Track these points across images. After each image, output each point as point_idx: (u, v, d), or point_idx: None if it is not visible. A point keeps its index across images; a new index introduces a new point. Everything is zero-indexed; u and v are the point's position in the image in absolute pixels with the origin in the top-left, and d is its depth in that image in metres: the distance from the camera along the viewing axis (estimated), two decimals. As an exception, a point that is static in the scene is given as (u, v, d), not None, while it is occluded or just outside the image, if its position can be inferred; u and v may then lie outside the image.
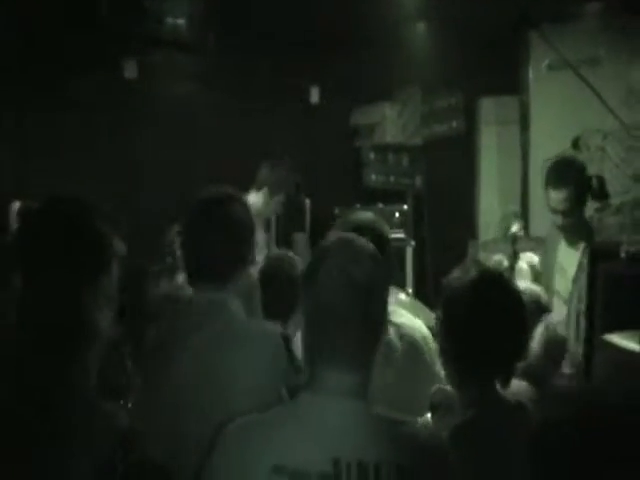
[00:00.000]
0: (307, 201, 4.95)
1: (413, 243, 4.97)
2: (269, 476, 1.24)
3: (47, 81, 4.31)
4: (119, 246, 1.54)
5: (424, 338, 2.21)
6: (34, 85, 4.27)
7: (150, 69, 4.78)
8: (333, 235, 1.46)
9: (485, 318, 1.64)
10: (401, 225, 5.02)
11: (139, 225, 4.21)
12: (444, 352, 1.75)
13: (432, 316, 2.61)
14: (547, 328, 2.31)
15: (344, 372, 1.31)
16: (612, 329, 2.84)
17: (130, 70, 4.73)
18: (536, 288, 2.53)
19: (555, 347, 2.38)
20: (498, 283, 1.71)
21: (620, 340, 2.72)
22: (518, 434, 1.43)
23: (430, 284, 4.80)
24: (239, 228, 1.87)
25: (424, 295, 4.04)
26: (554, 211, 3.17)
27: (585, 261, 2.91)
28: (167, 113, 4.75)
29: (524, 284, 2.49)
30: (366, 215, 2.26)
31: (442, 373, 1.99)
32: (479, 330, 1.63)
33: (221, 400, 1.65)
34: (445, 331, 1.72)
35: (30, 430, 1.28)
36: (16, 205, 2.96)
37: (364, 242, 1.38)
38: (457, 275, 1.72)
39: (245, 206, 1.91)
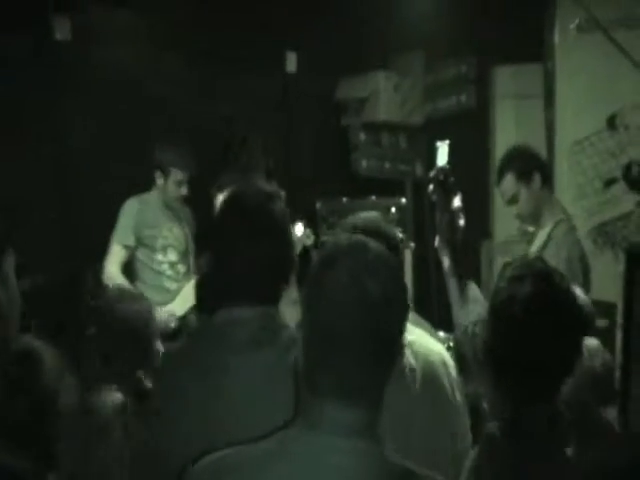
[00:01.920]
0: (282, 193, 4.66)
1: (413, 245, 4.86)
2: None
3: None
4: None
5: (442, 359, 2.21)
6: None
7: (86, 29, 4.57)
8: (341, 238, 1.39)
9: (541, 331, 1.70)
10: (398, 222, 4.85)
11: (76, 212, 4.38)
12: (488, 365, 1.81)
13: (435, 333, 2.80)
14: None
15: (350, 407, 1.24)
16: None
17: (62, 31, 4.51)
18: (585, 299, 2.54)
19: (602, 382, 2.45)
20: (555, 288, 1.76)
21: None
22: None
23: (434, 295, 4.68)
24: (286, 232, 1.85)
25: (426, 309, 3.86)
26: (507, 205, 3.40)
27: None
28: (108, 81, 4.54)
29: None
30: (370, 216, 2.33)
31: (462, 402, 2.18)
32: (533, 343, 1.70)
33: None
34: (491, 344, 1.79)
35: None
36: None
37: (380, 247, 1.32)
38: (504, 278, 1.80)
39: (283, 205, 1.86)
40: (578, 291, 2.36)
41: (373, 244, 1.33)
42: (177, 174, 4.03)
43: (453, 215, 2.73)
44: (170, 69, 4.69)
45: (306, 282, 1.31)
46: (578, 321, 1.78)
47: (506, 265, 1.91)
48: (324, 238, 4.77)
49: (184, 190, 4.05)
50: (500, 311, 1.78)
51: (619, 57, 4.54)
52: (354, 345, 1.24)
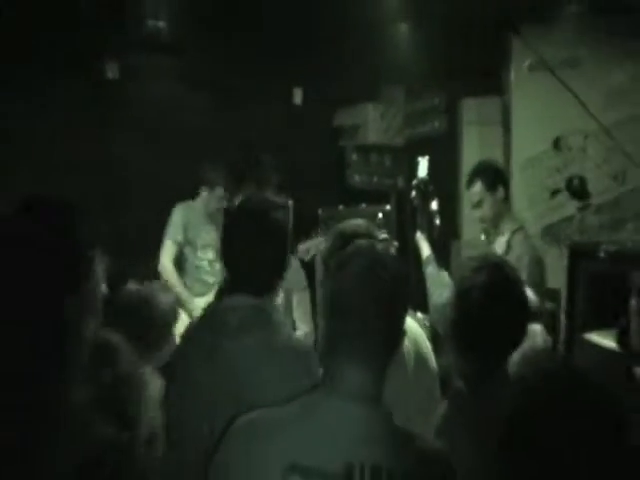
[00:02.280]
0: (290, 202, 4.89)
1: (396, 243, 4.76)
2: (282, 474, 1.23)
3: (27, 83, 4.28)
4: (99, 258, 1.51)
5: (422, 336, 2.29)
6: (14, 86, 4.23)
7: (132, 70, 4.77)
8: (354, 244, 1.45)
9: (495, 312, 1.79)
10: (384, 225, 4.84)
11: (121, 232, 4.41)
12: (454, 339, 1.87)
13: (414, 315, 2.87)
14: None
15: (362, 372, 1.30)
16: (592, 328, 2.97)
17: (112, 71, 4.72)
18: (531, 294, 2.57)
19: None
20: (506, 278, 1.84)
21: (600, 338, 2.87)
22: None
23: (413, 284, 4.65)
24: (281, 236, 1.86)
25: None
26: (473, 208, 3.32)
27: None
28: (149, 115, 4.73)
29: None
30: (358, 222, 2.34)
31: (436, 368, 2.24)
32: (489, 321, 1.78)
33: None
34: (457, 322, 1.85)
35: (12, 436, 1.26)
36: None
37: (384, 248, 1.42)
38: (467, 269, 1.88)
39: (286, 214, 1.91)
40: (528, 289, 2.39)
41: (378, 245, 1.44)
42: (220, 190, 4.22)
43: (431, 216, 2.91)
44: (199, 104, 4.85)
45: (326, 277, 1.48)
46: (524, 304, 1.84)
47: (469, 259, 2.00)
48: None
49: (224, 203, 4.19)
50: (463, 295, 1.84)
51: (563, 91, 4.67)
52: (369, 320, 1.30)
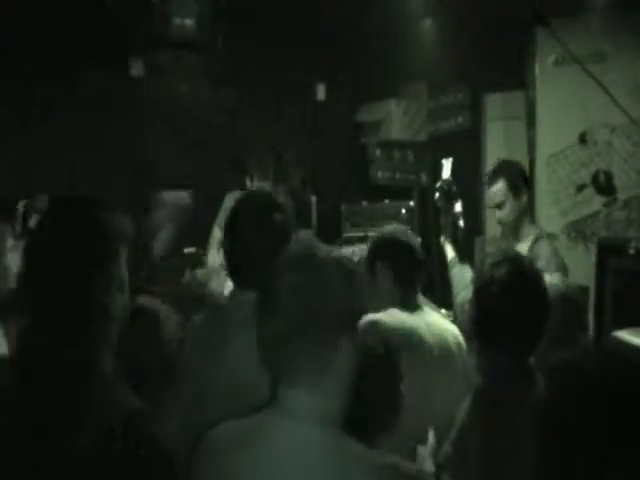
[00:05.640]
0: (313, 198, 4.90)
1: (419, 239, 4.82)
2: None
3: (52, 79, 4.32)
4: (128, 230, 1.56)
5: (448, 331, 2.30)
6: (38, 82, 4.27)
7: (157, 68, 4.80)
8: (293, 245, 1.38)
9: (515, 307, 1.78)
10: (407, 221, 4.99)
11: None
12: (475, 336, 1.88)
13: (439, 311, 2.81)
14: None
15: (304, 391, 1.21)
16: (621, 325, 2.86)
17: (137, 68, 4.75)
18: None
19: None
20: (525, 273, 1.83)
21: (629, 336, 2.74)
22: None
23: (437, 281, 4.61)
24: (283, 232, 1.83)
25: (431, 291, 3.85)
26: (491, 207, 3.22)
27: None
28: (173, 112, 4.75)
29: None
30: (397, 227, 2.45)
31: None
32: (508, 317, 1.77)
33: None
34: (477, 318, 1.85)
35: (39, 412, 1.34)
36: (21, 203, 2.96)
37: (311, 244, 1.32)
38: (486, 264, 1.86)
39: (287, 210, 1.89)
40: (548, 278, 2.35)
41: (312, 247, 1.30)
42: (266, 182, 4.24)
43: (455, 218, 2.84)
44: (224, 101, 4.88)
45: (260, 290, 1.29)
46: (544, 298, 1.82)
47: (487, 254, 1.99)
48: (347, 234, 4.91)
49: None
50: (482, 291, 1.83)
51: (590, 85, 4.50)
52: (297, 334, 1.20)
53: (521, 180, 3.15)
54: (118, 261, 1.49)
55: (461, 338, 2.31)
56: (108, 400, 1.35)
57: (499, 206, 3.13)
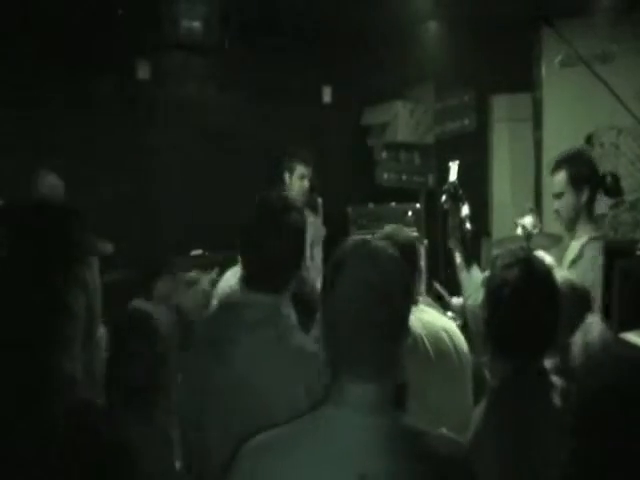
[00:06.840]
0: (320, 200, 4.90)
1: (426, 242, 4.90)
2: None
3: (60, 81, 4.30)
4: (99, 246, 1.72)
5: (447, 332, 2.28)
6: (46, 85, 4.25)
7: (163, 70, 4.78)
8: (347, 242, 1.36)
9: (526, 309, 1.76)
10: (414, 223, 4.99)
11: (150, 227, 4.45)
12: (488, 338, 1.85)
13: (445, 313, 2.85)
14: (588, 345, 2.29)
15: (366, 383, 1.25)
16: (629, 327, 2.71)
17: (143, 71, 4.74)
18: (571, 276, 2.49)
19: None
20: (538, 277, 1.80)
21: (637, 338, 2.58)
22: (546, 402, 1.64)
23: (443, 282, 4.48)
24: (298, 236, 1.86)
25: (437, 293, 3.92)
26: (553, 196, 3.11)
27: (591, 255, 2.87)
28: (179, 114, 4.75)
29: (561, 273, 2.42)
30: (397, 228, 2.39)
31: (468, 366, 2.25)
32: (520, 318, 1.75)
33: (263, 407, 1.64)
34: (489, 320, 1.82)
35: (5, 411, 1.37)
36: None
37: (381, 244, 1.33)
38: (497, 266, 1.83)
39: (302, 214, 1.91)
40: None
41: (374, 242, 1.33)
42: (301, 169, 4.15)
43: (462, 221, 2.79)
44: (231, 104, 4.87)
45: (322, 284, 1.31)
46: (556, 300, 1.79)
47: (497, 256, 1.88)
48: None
49: (306, 183, 4.14)
50: (493, 293, 1.81)
51: (596, 86, 4.37)
52: (363, 329, 1.24)
53: (583, 172, 3.04)
54: (82, 263, 1.54)
55: (458, 335, 2.32)
56: (65, 396, 1.37)
57: (558, 196, 3.06)
